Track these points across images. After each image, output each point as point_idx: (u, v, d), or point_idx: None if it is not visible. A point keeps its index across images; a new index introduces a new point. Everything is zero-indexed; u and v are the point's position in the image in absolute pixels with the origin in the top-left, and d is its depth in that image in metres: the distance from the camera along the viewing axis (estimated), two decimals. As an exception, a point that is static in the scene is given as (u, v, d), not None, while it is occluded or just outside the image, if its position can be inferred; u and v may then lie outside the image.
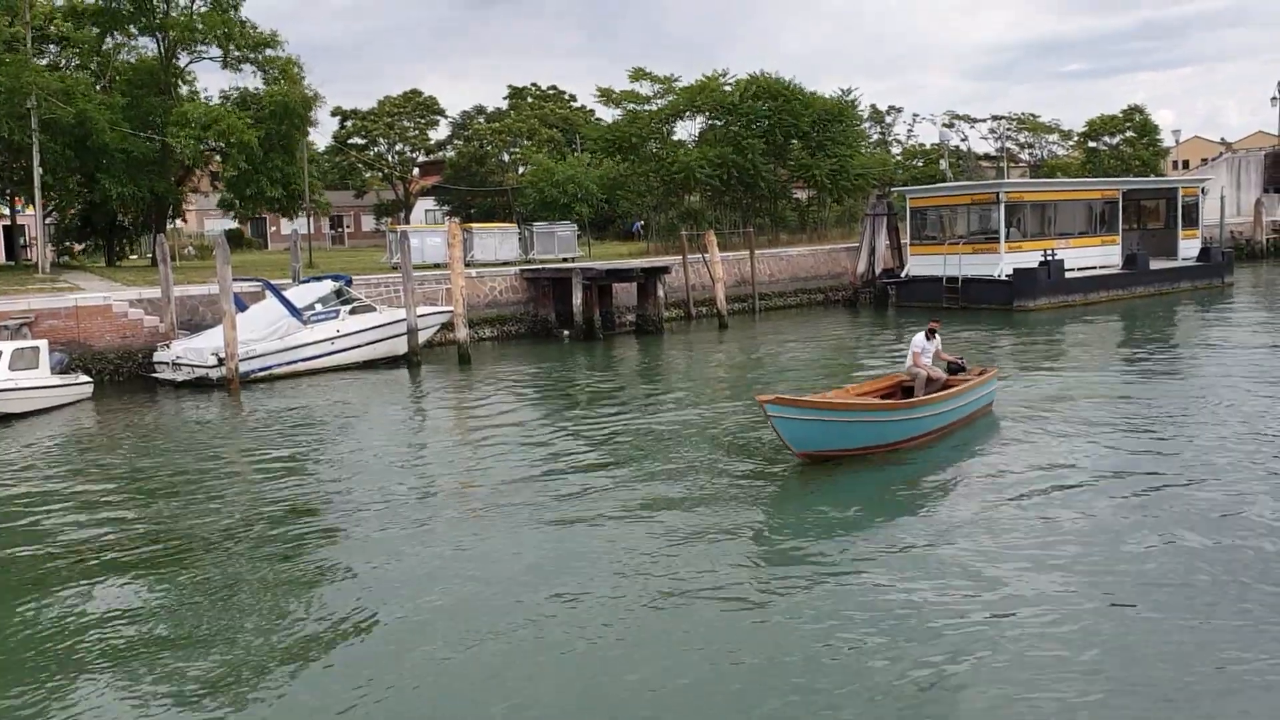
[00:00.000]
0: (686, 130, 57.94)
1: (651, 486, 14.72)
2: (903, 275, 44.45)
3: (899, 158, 79.72)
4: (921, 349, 18.36)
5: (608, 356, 31.84)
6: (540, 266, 40.83)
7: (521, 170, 72.81)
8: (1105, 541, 11.67)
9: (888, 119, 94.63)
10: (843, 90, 57.88)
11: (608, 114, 62.66)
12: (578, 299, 35.66)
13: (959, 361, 18.89)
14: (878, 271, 45.91)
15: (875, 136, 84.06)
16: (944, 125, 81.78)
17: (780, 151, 54.81)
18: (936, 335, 18.71)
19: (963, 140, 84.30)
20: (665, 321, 38.41)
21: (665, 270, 38.86)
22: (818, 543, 12.01)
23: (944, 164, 64.22)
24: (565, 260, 44.21)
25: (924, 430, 16.24)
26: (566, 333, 36.49)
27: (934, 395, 16.93)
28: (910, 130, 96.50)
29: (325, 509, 14.60)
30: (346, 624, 10.12)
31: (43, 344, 25.06)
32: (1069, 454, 15.81)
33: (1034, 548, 11.53)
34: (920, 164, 76.75)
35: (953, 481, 14.60)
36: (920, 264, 43.49)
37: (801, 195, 61.22)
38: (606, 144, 56.35)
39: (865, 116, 73.36)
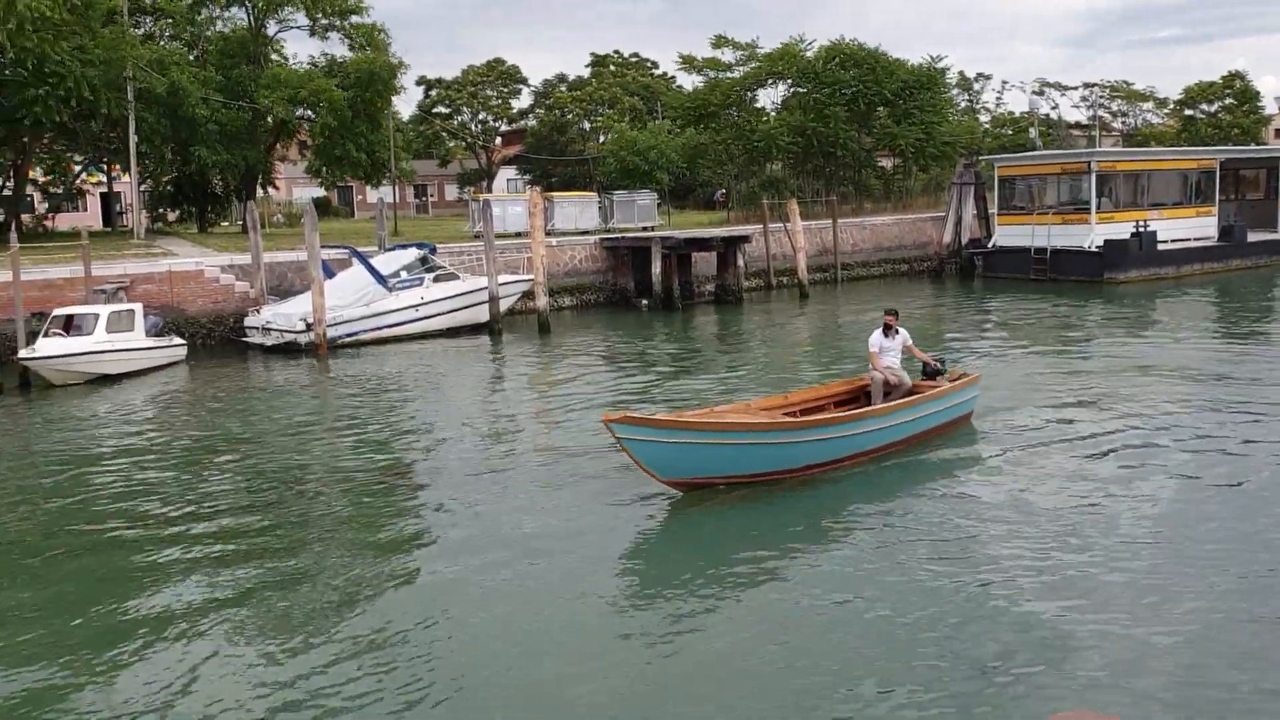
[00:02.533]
0: (768, 98, 57.42)
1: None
2: (989, 245, 43.64)
3: (987, 126, 77.96)
4: (880, 348, 15.57)
5: (686, 326, 31.85)
6: (620, 235, 40.87)
7: (602, 139, 72.76)
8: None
9: (976, 86, 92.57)
10: (931, 57, 56.76)
11: (689, 81, 62.33)
12: (657, 268, 35.66)
13: (936, 363, 15.99)
14: (964, 241, 45.14)
15: (963, 104, 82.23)
16: (1034, 93, 79.79)
17: (865, 119, 54.03)
18: (899, 330, 15.75)
19: (1053, 108, 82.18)
20: (745, 291, 38.25)
21: (745, 239, 38.66)
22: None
23: (1034, 132, 62.72)
24: (645, 229, 44.18)
25: (855, 450, 13.68)
26: (645, 302, 36.53)
27: (859, 411, 14.31)
28: (999, 98, 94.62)
29: (408, 472, 14.91)
30: (426, 589, 10.34)
31: (138, 307, 25.83)
32: (1044, 478, 13.32)
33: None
34: (1009, 132, 75.01)
35: (875, 515, 12.14)
36: (1008, 234, 42.64)
37: (886, 163, 60.32)
38: (687, 112, 56.04)
39: (953, 84, 71.75)
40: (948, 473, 13.73)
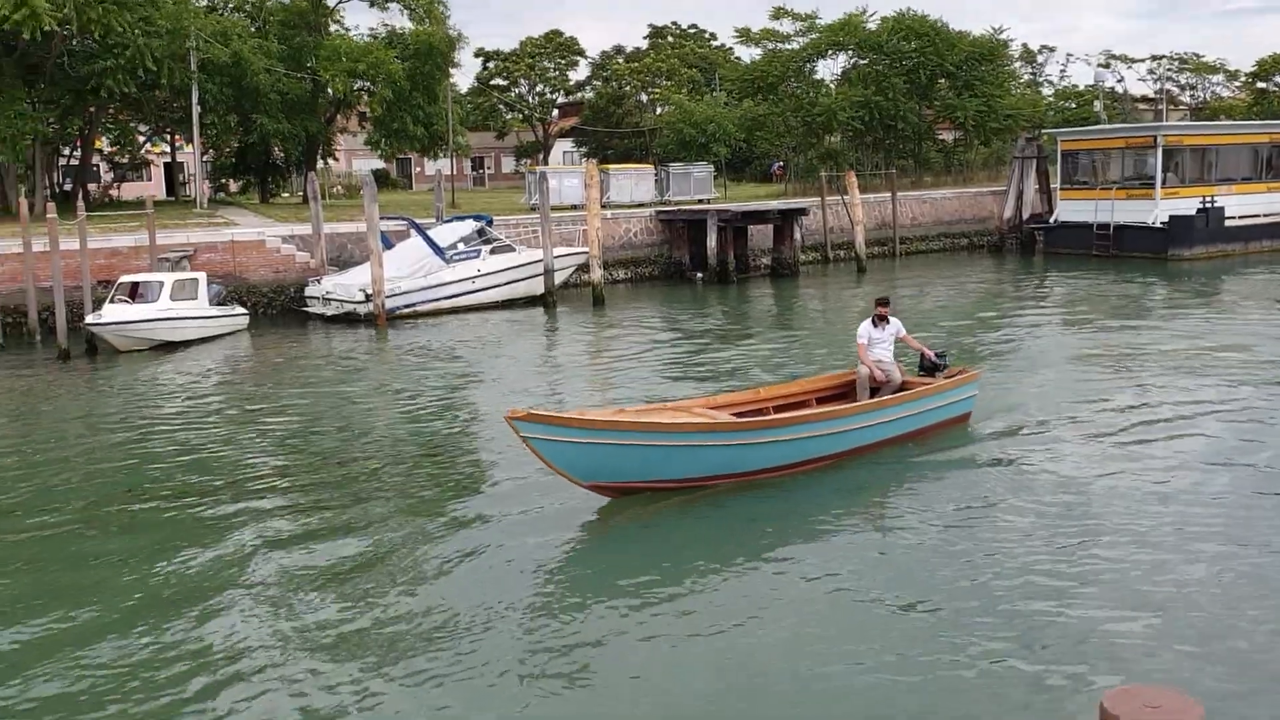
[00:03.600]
0: (828, 69, 56.83)
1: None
2: (1051, 221, 42.94)
3: (1050, 99, 76.44)
4: (868, 339, 14.29)
5: (740, 299, 31.75)
6: (676, 208, 40.77)
7: (659, 111, 72.48)
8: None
9: (1039, 59, 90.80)
10: (993, 29, 55.73)
11: (747, 53, 61.84)
12: (712, 241, 35.55)
13: (936, 358, 14.57)
14: (1025, 216, 44.46)
15: (1026, 77, 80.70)
16: (1099, 65, 78.03)
17: (925, 91, 53.30)
18: (892, 320, 14.49)
19: (1119, 81, 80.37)
20: (801, 265, 38.03)
21: (803, 212, 38.40)
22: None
23: (1098, 105, 61.43)
24: (701, 202, 44.04)
25: (817, 453, 12.41)
26: (700, 275, 36.45)
27: (815, 412, 13.03)
28: (1063, 71, 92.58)
29: (460, 442, 15.07)
30: (478, 557, 10.47)
31: (201, 276, 26.27)
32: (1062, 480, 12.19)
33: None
34: (1073, 106, 73.51)
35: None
36: (1070, 209, 41.90)
37: (947, 136, 59.50)
38: (745, 84, 55.66)
39: (1016, 56, 70.50)
40: (927, 472, 12.73)
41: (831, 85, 55.33)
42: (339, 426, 16.11)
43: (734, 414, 12.83)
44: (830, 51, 54.68)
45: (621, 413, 12.13)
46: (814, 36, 54.08)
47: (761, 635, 8.50)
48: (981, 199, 47.57)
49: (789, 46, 54.88)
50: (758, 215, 37.68)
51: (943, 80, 53.40)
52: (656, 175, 45.90)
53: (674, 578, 9.62)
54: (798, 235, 37.99)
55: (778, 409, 13.45)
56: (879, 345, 14.31)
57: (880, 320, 14.39)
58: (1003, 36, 54.66)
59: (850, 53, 54.43)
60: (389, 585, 9.61)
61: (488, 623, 8.77)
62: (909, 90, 51.98)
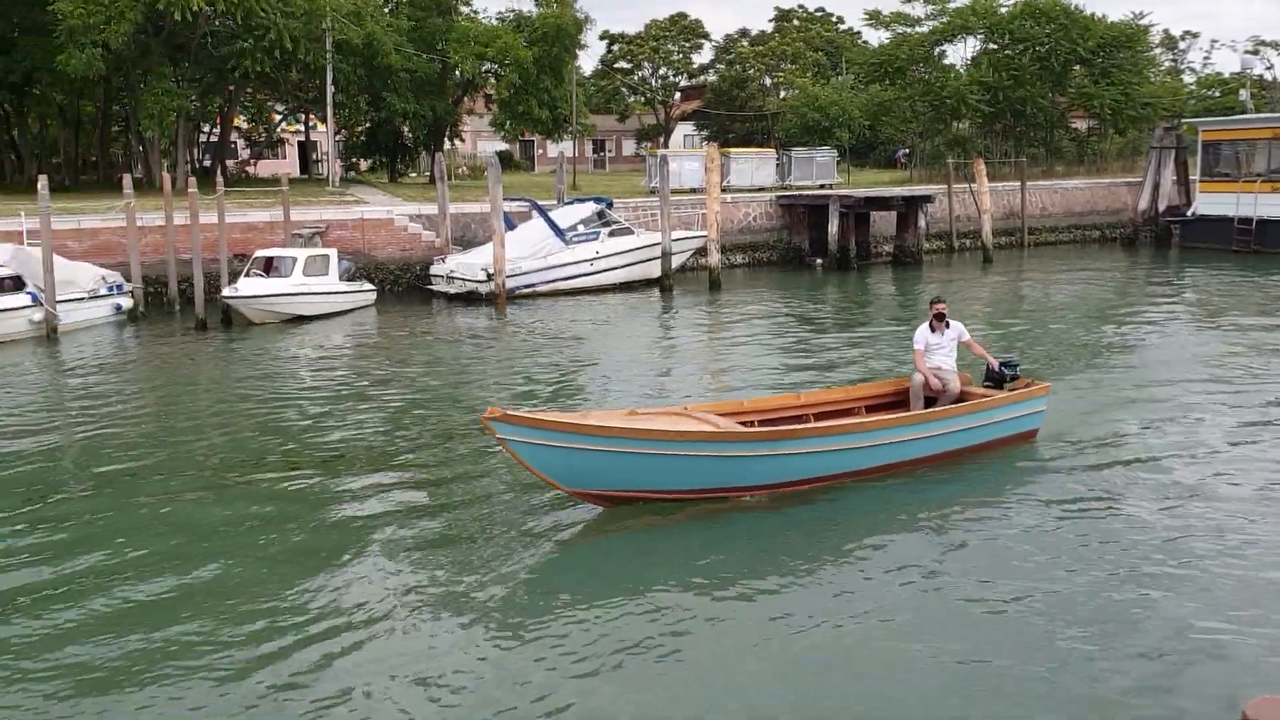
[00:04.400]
0: (957, 54, 55.56)
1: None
2: (1189, 214, 41.25)
3: (1192, 87, 73.42)
4: (925, 345, 13.01)
5: (860, 287, 31.36)
6: (797, 193, 40.43)
7: (783, 95, 71.84)
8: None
9: (1181, 45, 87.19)
10: (1132, 14, 53.73)
11: (875, 37, 60.84)
12: (833, 227, 35.16)
13: (1002, 367, 13.10)
14: (1161, 209, 42.81)
15: (1166, 64, 77.61)
16: (1246, 52, 74.52)
17: (1059, 78, 51.70)
18: (952, 323, 13.20)
19: (1268, 68, 76.61)
20: (925, 253, 37.34)
21: (928, 199, 37.69)
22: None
23: (1245, 94, 58.66)
24: (823, 187, 43.58)
25: (838, 469, 11.33)
26: (820, 261, 36.10)
27: (837, 424, 11.90)
28: (1207, 58, 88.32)
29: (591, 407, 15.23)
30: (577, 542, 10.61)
31: (332, 252, 27.07)
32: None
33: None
34: (1216, 94, 70.47)
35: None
36: (1210, 202, 40.18)
37: (1080, 124, 57.64)
38: (873, 68, 54.84)
39: (1156, 43, 67.80)
40: (975, 489, 11.62)
41: (961, 70, 54.11)
42: (456, 402, 16.44)
43: (765, 420, 12.09)
44: (960, 35, 53.44)
45: (609, 417, 11.29)
46: (944, 20, 52.92)
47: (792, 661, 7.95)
48: (1115, 190, 46.03)
49: (919, 30, 53.79)
50: (881, 201, 37.13)
51: (1077, 67, 51.71)
52: (778, 160, 45.58)
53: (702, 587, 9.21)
54: (922, 223, 37.29)
55: (818, 417, 12.56)
56: (938, 352, 12.98)
57: (938, 323, 13.06)
58: (1143, 22, 52.67)
59: (980, 37, 53.11)
60: (489, 559, 9.78)
61: (584, 601, 8.89)
62: (1041, 76, 50.48)
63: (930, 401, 12.76)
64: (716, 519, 10.61)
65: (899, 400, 13.10)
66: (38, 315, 23.12)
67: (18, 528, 10.67)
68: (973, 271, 34.88)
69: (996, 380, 13.08)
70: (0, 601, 8.87)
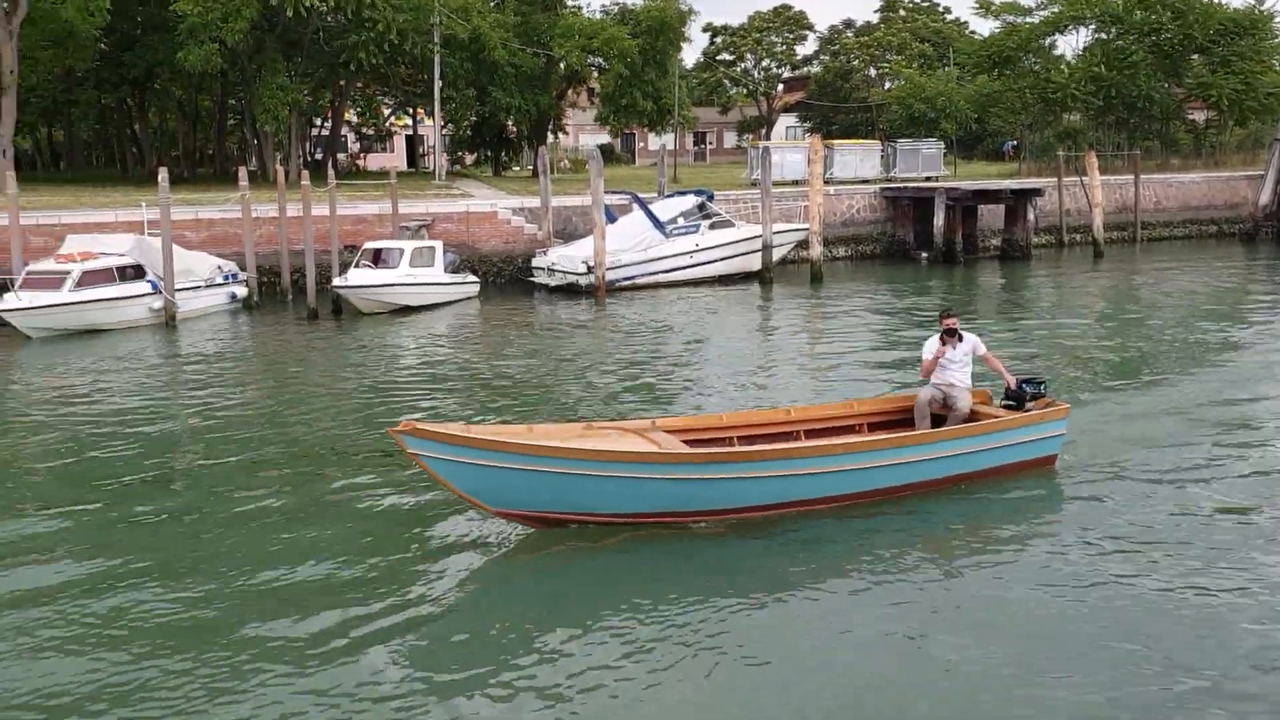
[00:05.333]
0: (1068, 44, 54.10)
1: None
2: (1314, 208, 39.65)
3: (1321, 75, 70.35)
4: (934, 357, 11.95)
5: (967, 282, 30.80)
6: (901, 185, 39.87)
7: (888, 86, 70.86)
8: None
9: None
10: (1255, 0, 51.48)
11: (984, 27, 59.61)
12: (939, 220, 34.60)
13: (1024, 385, 11.94)
14: (1283, 203, 41.25)
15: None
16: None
17: (1175, 68, 49.96)
18: (965, 336, 12.05)
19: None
20: (1034, 248, 36.52)
21: (1038, 193, 36.85)
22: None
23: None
24: (928, 179, 42.87)
25: (802, 495, 10.30)
26: (924, 255, 35.57)
27: (797, 447, 10.71)
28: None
29: (681, 404, 15.26)
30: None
31: (438, 244, 27.57)
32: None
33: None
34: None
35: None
36: (1338, 196, 38.55)
37: (1197, 116, 55.63)
38: (981, 59, 53.70)
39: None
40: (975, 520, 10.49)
41: (1073, 60, 52.67)
42: (554, 394, 16.61)
43: (745, 438, 11.29)
44: (1071, 25, 51.98)
45: (551, 433, 10.41)
46: (1055, 10, 51.55)
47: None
48: (1234, 184, 44.40)
49: (1029, 20, 52.51)
50: (989, 194, 36.43)
51: (1195, 56, 49.88)
52: (882, 151, 44.99)
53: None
54: (1031, 217, 36.46)
55: (809, 434, 11.56)
56: (953, 367, 11.82)
57: (949, 337, 11.86)
58: (1265, 7, 50.53)
59: (1092, 26, 51.60)
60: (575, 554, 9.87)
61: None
62: (1156, 66, 48.83)
63: (940, 421, 11.73)
64: (656, 544, 9.77)
65: (907, 418, 11.97)
66: (157, 303, 24.03)
67: (136, 508, 11.10)
68: (1082, 266, 34.00)
69: (1016, 400, 11.91)
70: (111, 578, 9.25)
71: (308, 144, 50.68)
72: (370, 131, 62.64)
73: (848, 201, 37.81)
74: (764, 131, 77.48)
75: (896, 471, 10.69)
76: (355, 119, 59.37)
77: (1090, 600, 8.58)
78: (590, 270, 28.21)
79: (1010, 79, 52.80)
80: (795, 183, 39.00)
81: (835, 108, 72.63)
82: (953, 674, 7.50)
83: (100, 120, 50.46)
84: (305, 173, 28.30)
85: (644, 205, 30.94)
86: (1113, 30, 50.06)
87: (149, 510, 11.02)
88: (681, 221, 30.60)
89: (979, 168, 55.48)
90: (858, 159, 43.70)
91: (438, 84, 41.63)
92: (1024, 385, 11.94)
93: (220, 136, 51.81)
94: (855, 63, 75.44)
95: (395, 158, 62.68)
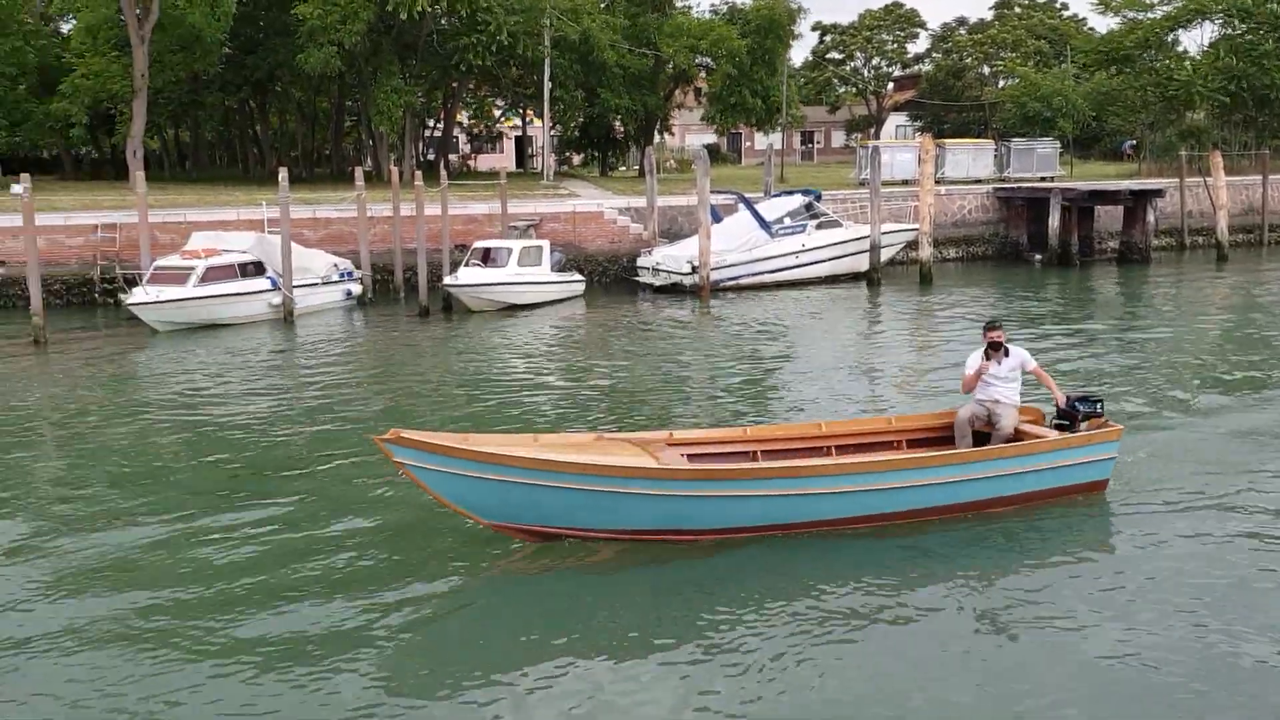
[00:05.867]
0: (1192, 40, 52.28)
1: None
2: None
3: None
4: (976, 373, 11.18)
5: (1082, 285, 30.00)
6: (1015, 185, 39.03)
7: (1001, 84, 69.40)
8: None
9: None
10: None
11: (1103, 23, 57.95)
12: (1054, 221, 33.80)
13: (1077, 403, 10.95)
14: None
15: None
16: None
17: (1310, 62, 47.90)
18: (1012, 350, 11.22)
19: None
20: (1153, 250, 35.40)
21: (1158, 194, 35.70)
22: None
23: None
24: (1043, 179, 41.86)
25: (813, 516, 9.78)
26: (1038, 257, 34.78)
27: (792, 466, 10.04)
28: None
29: (766, 415, 15.22)
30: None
31: (545, 244, 27.91)
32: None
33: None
34: None
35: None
36: None
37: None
38: (1099, 55, 52.24)
39: None
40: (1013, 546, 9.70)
41: (1197, 56, 50.87)
42: (648, 397, 16.64)
43: (768, 453, 10.91)
44: (1195, 19, 50.20)
45: (537, 443, 10.21)
46: (1178, 4, 49.84)
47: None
48: (1374, 184, 42.36)
49: (1151, 15, 50.88)
50: (1107, 195, 35.48)
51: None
52: (996, 151, 44.12)
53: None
54: (1151, 218, 35.34)
55: (840, 449, 11.05)
56: (999, 383, 11.02)
57: (994, 351, 11.07)
58: None
59: (1218, 20, 49.75)
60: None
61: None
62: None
63: (984, 440, 11.02)
64: (653, 560, 9.36)
65: (949, 436, 11.25)
66: (276, 299, 24.82)
67: (253, 498, 11.50)
68: (1205, 270, 32.83)
69: (1069, 419, 10.97)
70: (234, 569, 9.60)
71: (420, 145, 51.74)
72: (481, 132, 63.67)
73: (959, 202, 37.17)
74: (873, 130, 76.60)
75: (918, 494, 10.00)
76: (467, 120, 60.40)
77: (1133, 651, 7.65)
78: (694, 270, 28.23)
79: (1130, 76, 51.26)
80: (905, 182, 38.47)
81: (947, 106, 71.44)
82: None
83: (224, 122, 52.30)
84: (418, 173, 28.93)
85: (750, 205, 30.85)
86: (1240, 25, 48.19)
87: (261, 495, 11.39)
88: (788, 221, 30.44)
89: (1096, 168, 53.96)
90: (970, 158, 42.93)
91: (547, 85, 42.13)
92: (1076, 404, 10.98)
93: (337, 137, 53.22)
94: (968, 60, 74.15)
95: (505, 158, 63.59)
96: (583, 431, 13.29)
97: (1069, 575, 9.03)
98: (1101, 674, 7.36)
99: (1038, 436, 10.82)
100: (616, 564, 9.35)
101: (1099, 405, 11.01)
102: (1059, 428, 11.06)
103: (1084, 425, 10.84)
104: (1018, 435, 10.89)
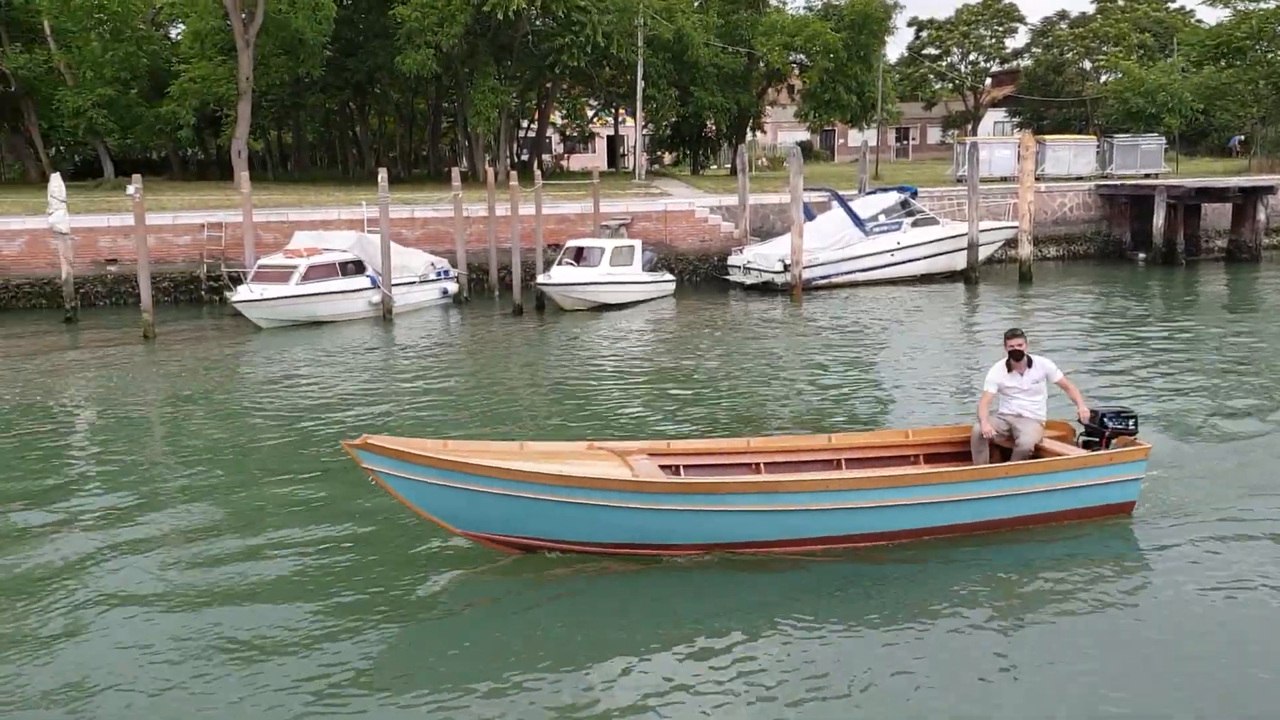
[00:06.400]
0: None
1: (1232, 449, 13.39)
2: None
3: None
4: (998, 387, 10.57)
5: (1188, 286, 29.12)
6: (1118, 182, 38.05)
7: (1104, 79, 67.62)
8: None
9: None
10: None
11: (1212, 16, 56.11)
12: (1159, 219, 32.87)
13: (1107, 419, 10.28)
14: None
15: None
16: None
17: None
18: (1035, 361, 10.62)
19: None
20: (1264, 249, 34.21)
21: (1270, 190, 34.49)
22: None
23: None
24: (1147, 176, 40.71)
25: (802, 533, 9.33)
26: (1142, 256, 33.86)
27: (772, 481, 9.64)
28: None
29: (853, 418, 15.07)
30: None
31: (637, 243, 28.02)
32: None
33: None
34: None
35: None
36: None
37: None
38: (1207, 49, 50.59)
39: None
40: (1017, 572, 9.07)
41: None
42: (733, 398, 16.58)
43: (771, 465, 10.52)
44: (1315, 9, 48.35)
45: (522, 450, 9.89)
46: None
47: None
48: None
49: (1264, 6, 49.11)
50: (1214, 192, 34.33)
51: None
52: (1098, 147, 43.03)
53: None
54: (1261, 216, 34.16)
55: (850, 463, 10.63)
56: (1020, 396, 10.45)
57: (1016, 362, 10.51)
58: None
59: (1342, 9, 47.85)
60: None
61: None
62: None
63: (1004, 455, 10.53)
64: (652, 568, 9.19)
65: (969, 451, 10.72)
66: (376, 297, 25.35)
67: (340, 501, 11.77)
68: (1321, 269, 31.65)
69: (1095, 434, 10.35)
70: (326, 552, 9.85)
71: (515, 145, 52.31)
72: (573, 132, 64.13)
73: (1060, 199, 36.37)
74: (970, 127, 75.30)
75: (917, 513, 9.46)
76: (560, 120, 60.86)
77: (1149, 682, 7.22)
78: (786, 269, 28.09)
79: (1241, 69, 49.56)
80: (1004, 179, 37.77)
81: (1047, 102, 69.86)
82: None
83: (325, 123, 53.48)
84: (513, 173, 29.27)
85: (844, 202, 30.57)
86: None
87: (358, 487, 11.66)
88: (883, 219, 30.11)
89: (1203, 164, 52.31)
90: (1071, 155, 41.93)
91: (640, 85, 42.28)
92: (1105, 419, 10.28)
93: (434, 138, 54.09)
94: (1069, 55, 72.41)
95: (597, 158, 63.95)
96: (618, 440, 13.05)
97: (1076, 609, 8.35)
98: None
99: (1056, 454, 10.18)
100: (614, 572, 9.18)
101: (1131, 422, 10.29)
102: (1088, 445, 10.45)
103: (1113, 443, 10.23)
104: (1040, 452, 10.31)
